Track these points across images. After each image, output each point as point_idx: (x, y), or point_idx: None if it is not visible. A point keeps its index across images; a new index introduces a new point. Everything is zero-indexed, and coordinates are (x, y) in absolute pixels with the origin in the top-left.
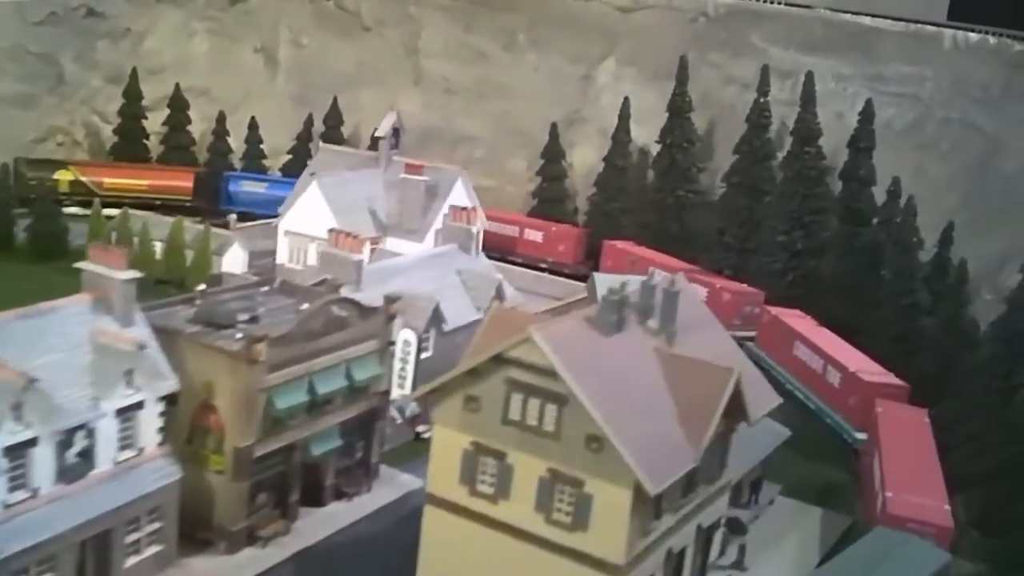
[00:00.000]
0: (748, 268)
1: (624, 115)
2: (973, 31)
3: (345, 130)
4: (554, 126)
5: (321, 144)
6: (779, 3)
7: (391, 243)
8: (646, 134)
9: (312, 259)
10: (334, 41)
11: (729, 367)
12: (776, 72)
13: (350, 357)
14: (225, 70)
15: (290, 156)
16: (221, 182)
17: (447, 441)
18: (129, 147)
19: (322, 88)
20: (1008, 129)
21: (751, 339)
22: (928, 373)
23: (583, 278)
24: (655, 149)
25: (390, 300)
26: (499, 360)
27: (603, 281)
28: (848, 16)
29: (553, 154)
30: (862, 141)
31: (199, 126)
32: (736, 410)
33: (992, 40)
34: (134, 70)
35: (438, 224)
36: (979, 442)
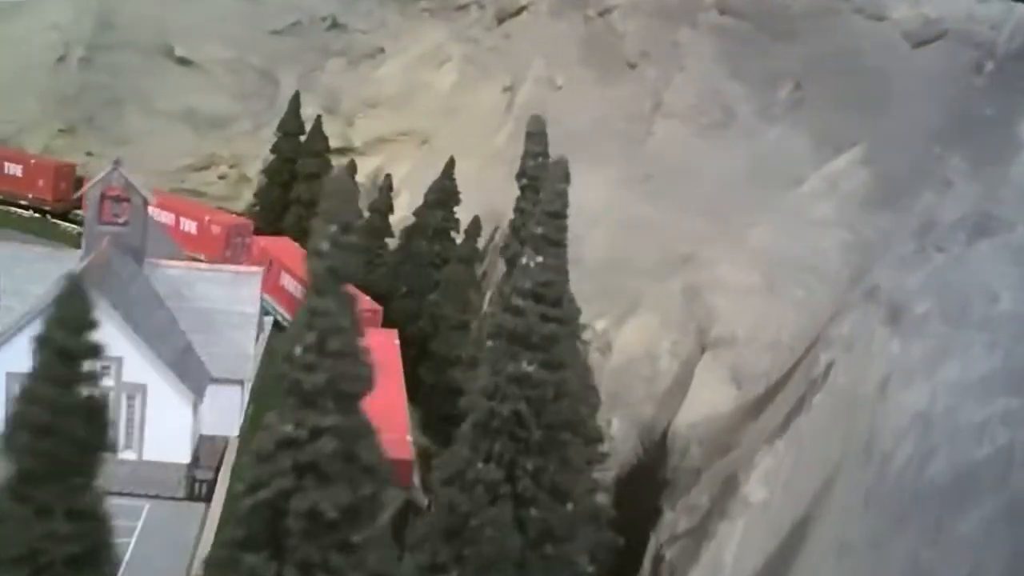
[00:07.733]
0: None
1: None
2: None
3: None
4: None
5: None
6: None
7: None
8: None
9: None
10: (590, 83)
11: None
12: None
13: None
14: (458, 113)
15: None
16: None
17: None
18: (274, 193)
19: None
20: None
21: None
22: None
23: None
24: None
25: None
26: None
27: None
28: None
29: None
30: None
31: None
32: None
33: None
34: (296, 95)
35: None
36: None
